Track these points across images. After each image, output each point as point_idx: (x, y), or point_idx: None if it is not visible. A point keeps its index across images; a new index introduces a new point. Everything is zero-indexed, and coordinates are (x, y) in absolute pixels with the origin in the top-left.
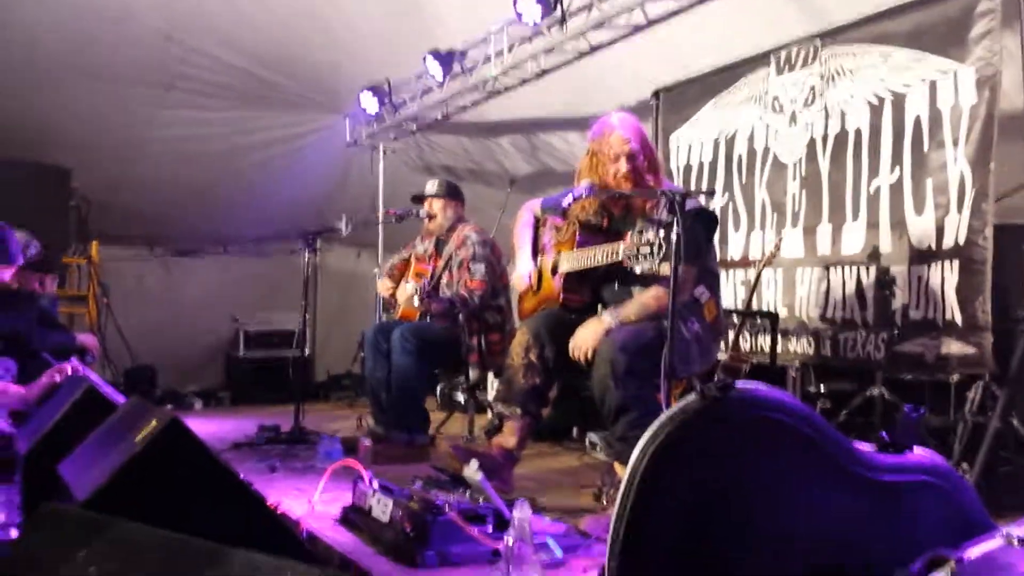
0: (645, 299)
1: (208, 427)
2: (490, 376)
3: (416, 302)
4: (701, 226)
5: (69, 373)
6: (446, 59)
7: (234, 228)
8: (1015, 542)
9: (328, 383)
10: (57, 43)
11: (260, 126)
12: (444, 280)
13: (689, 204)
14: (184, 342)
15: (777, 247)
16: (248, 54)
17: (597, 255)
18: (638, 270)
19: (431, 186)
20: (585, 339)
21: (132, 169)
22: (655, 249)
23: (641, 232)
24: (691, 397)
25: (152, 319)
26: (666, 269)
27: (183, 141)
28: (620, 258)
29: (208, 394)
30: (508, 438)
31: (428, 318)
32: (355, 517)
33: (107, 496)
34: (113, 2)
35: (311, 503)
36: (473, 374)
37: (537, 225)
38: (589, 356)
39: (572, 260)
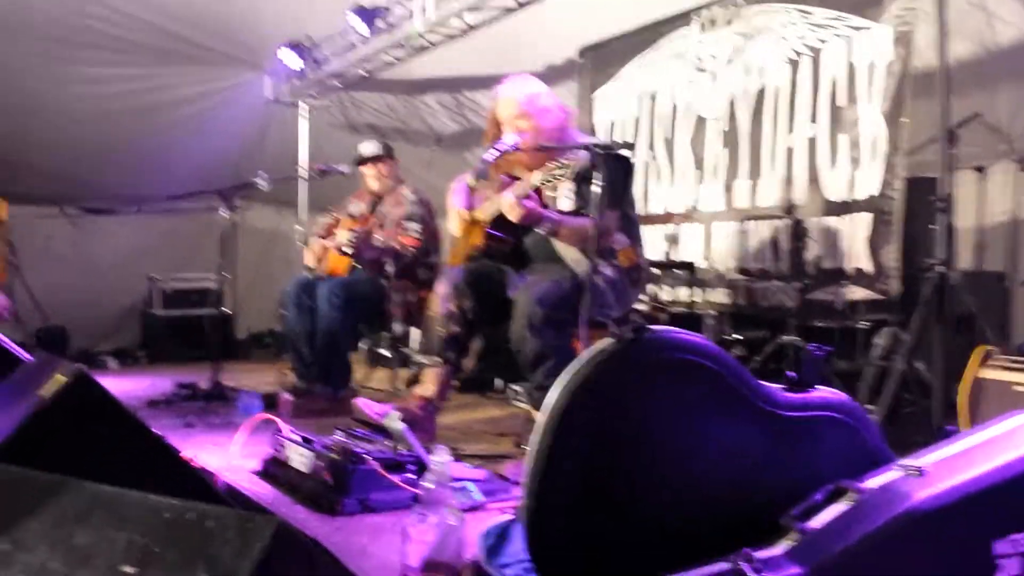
0: (581, 223)
1: (123, 385)
2: (414, 331)
3: (349, 249)
4: (617, 170)
5: None
6: (369, 15)
7: (149, 187)
8: (913, 472)
9: (249, 341)
10: None
11: (175, 82)
12: (378, 237)
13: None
14: (98, 301)
15: (694, 206)
16: (161, 9)
17: (515, 190)
18: (560, 196)
19: (372, 147)
20: (512, 208)
21: (37, 127)
22: (567, 170)
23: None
24: (606, 340)
25: (63, 279)
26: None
27: (93, 99)
28: (537, 183)
29: (124, 353)
30: (428, 387)
31: (357, 265)
32: (274, 469)
33: (11, 451)
34: None
35: (229, 456)
36: (399, 329)
37: (471, 193)
38: (506, 212)
39: (495, 204)
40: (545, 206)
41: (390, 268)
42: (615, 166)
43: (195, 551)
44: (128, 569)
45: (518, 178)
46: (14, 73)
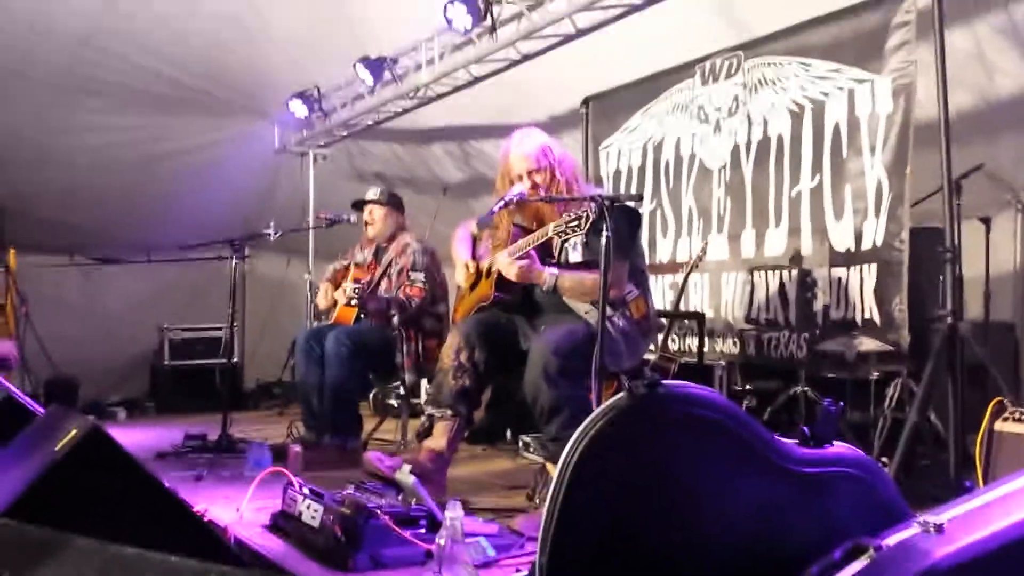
0: (585, 276)
1: (132, 437)
2: (424, 382)
3: (354, 301)
4: (624, 222)
5: None
6: (376, 66)
7: (158, 236)
8: (931, 529)
9: (258, 392)
10: None
11: (184, 132)
12: (383, 286)
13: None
14: (107, 351)
15: (703, 252)
16: (171, 60)
17: (529, 241)
18: (571, 247)
19: (372, 192)
20: (508, 266)
21: (49, 177)
22: (582, 222)
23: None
24: (620, 395)
25: (73, 328)
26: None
27: (102, 148)
28: (550, 235)
29: (132, 404)
30: (438, 440)
31: (363, 316)
32: (285, 523)
33: (26, 506)
34: (30, 5)
35: (239, 510)
36: (408, 379)
37: (474, 240)
38: (504, 272)
39: (506, 255)
40: (551, 255)
41: (396, 319)
42: (623, 218)
43: None
44: None
45: (528, 228)
46: (23, 124)
